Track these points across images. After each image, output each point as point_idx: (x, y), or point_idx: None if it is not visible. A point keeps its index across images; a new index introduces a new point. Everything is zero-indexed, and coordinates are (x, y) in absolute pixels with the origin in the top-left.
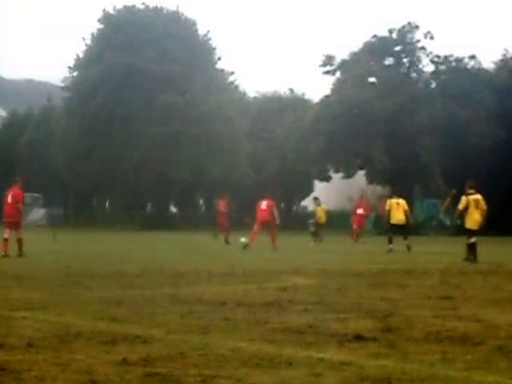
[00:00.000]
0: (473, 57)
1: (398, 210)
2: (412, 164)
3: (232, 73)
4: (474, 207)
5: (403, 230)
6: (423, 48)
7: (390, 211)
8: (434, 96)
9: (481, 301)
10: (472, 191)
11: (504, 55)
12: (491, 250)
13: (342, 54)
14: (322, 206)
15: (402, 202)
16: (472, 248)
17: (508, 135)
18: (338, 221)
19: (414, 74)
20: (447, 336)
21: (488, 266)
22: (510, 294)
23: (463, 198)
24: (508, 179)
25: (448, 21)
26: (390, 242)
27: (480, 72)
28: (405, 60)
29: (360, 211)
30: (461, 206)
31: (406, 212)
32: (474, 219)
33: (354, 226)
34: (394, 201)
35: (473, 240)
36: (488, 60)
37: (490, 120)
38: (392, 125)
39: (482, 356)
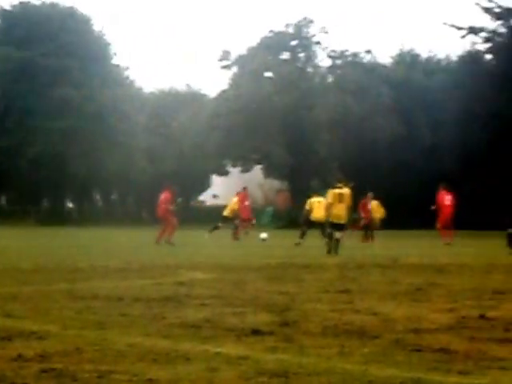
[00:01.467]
0: (369, 51)
1: (319, 208)
2: (310, 158)
3: (127, 68)
4: (337, 201)
5: (322, 228)
6: (319, 43)
7: (311, 210)
8: (331, 90)
9: (378, 294)
10: (340, 185)
11: (400, 50)
12: (388, 244)
13: (239, 49)
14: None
15: (323, 200)
16: (330, 240)
17: (405, 129)
18: None
19: (310, 69)
20: (344, 330)
21: (385, 259)
22: (407, 288)
23: (329, 192)
24: (405, 173)
25: (344, 16)
26: (302, 236)
27: (377, 66)
28: (301, 55)
29: (246, 203)
30: (329, 200)
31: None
32: (336, 213)
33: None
34: (314, 200)
35: (337, 235)
36: (385, 55)
37: (386, 114)
38: (290, 120)
39: (379, 349)
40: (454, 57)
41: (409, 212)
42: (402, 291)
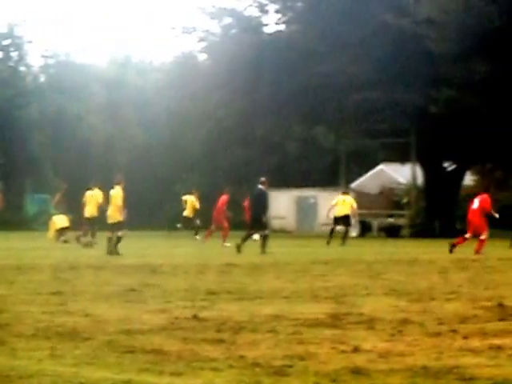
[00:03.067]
0: (82, 51)
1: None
2: (23, 158)
3: None
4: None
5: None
6: (31, 42)
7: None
8: (44, 90)
9: (90, 296)
10: (117, 186)
11: (114, 49)
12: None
13: None
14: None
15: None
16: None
17: (118, 128)
18: None
19: (23, 68)
20: (56, 332)
21: (98, 260)
22: (120, 289)
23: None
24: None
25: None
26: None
27: (90, 66)
28: (13, 54)
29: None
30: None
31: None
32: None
33: None
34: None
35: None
36: (99, 55)
37: (100, 113)
38: (3, 119)
39: (90, 351)
40: (169, 57)
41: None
42: (115, 292)
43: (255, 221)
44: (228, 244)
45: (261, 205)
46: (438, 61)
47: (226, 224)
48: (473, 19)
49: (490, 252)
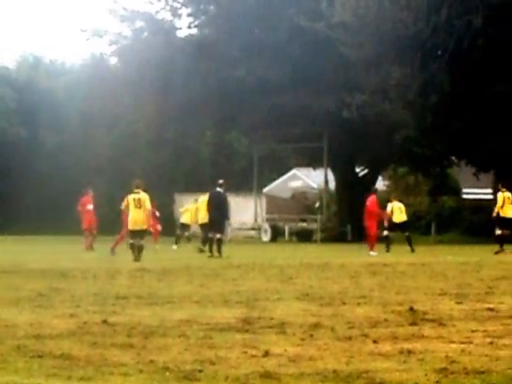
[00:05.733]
0: None
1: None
2: None
3: None
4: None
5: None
6: None
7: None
8: None
9: (0, 301)
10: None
11: (23, 52)
12: (11, 249)
13: None
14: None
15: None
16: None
17: (28, 132)
18: None
19: None
20: None
21: (9, 264)
22: (29, 294)
23: None
24: (31, 176)
25: None
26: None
27: (0, 69)
28: None
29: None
30: None
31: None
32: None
33: None
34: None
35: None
36: (8, 57)
37: (10, 117)
38: None
39: None
40: (80, 59)
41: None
42: (25, 297)
43: (214, 223)
44: (158, 246)
45: (220, 207)
46: (351, 65)
47: (157, 227)
48: (387, 24)
49: (401, 256)
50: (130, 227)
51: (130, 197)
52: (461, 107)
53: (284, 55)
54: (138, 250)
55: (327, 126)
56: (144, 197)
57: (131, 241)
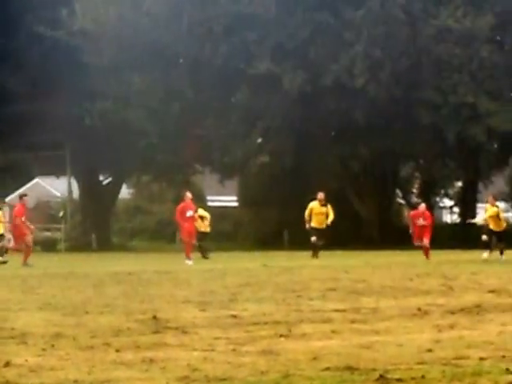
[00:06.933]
0: None
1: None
2: None
3: None
4: None
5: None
6: None
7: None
8: None
9: None
10: None
11: None
12: None
13: None
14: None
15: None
16: None
17: None
18: None
19: None
20: None
21: None
22: None
23: None
24: None
25: None
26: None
27: None
28: None
29: None
30: None
31: None
32: None
33: None
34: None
35: None
36: None
37: None
38: None
39: None
40: None
41: None
42: None
43: None
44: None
45: None
46: (92, 73)
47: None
48: (127, 31)
49: (148, 264)
50: None
51: None
52: (203, 114)
53: (23, 62)
54: None
55: (70, 133)
56: None
57: None
